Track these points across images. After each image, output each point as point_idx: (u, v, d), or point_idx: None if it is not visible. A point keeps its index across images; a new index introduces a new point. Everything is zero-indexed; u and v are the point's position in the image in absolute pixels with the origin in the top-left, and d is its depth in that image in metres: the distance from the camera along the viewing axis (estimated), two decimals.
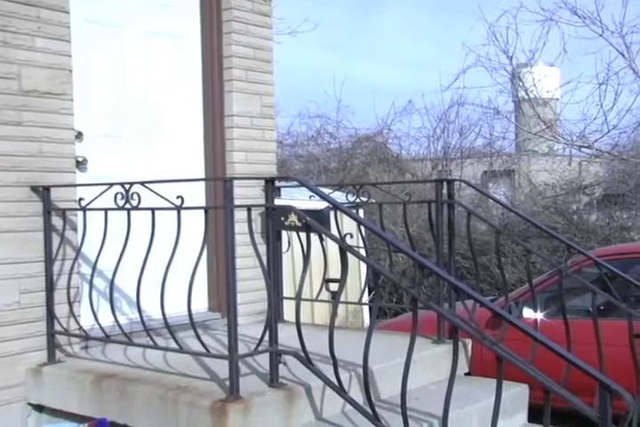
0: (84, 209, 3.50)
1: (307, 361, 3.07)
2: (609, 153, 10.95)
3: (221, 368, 3.05)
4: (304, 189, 3.17)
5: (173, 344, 3.24)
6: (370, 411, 2.92)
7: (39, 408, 3.60)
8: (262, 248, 3.04)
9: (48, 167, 3.66)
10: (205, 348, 3.15)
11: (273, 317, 3.01)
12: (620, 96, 10.53)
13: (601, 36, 10.31)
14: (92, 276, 3.47)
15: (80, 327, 3.64)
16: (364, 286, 5.01)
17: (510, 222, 10.50)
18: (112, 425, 3.24)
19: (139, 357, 3.59)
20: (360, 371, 3.02)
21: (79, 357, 3.71)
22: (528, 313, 5.06)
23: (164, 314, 3.23)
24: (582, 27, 10.41)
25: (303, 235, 3.07)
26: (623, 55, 10.24)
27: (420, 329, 2.93)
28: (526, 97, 11.82)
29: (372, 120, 21.55)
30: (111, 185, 3.38)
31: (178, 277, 3.22)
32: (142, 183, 3.20)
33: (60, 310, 3.61)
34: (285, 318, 4.40)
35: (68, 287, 3.57)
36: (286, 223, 3.03)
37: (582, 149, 11.22)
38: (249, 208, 3.04)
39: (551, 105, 12.11)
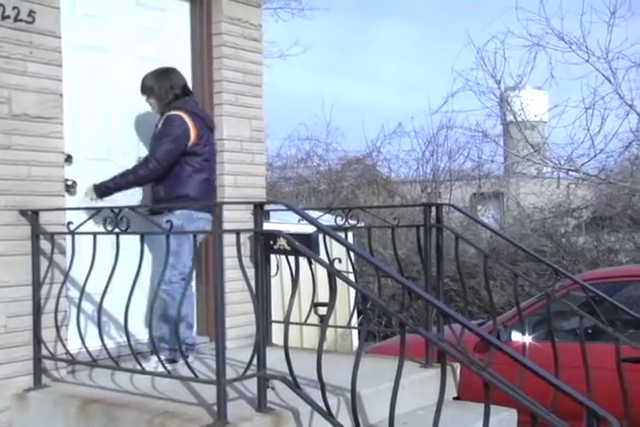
0: (72, 233, 3.49)
1: (294, 386, 3.05)
2: (596, 177, 11.03)
3: (209, 393, 3.03)
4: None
5: (161, 368, 3.22)
6: None
7: None
8: (251, 272, 3.05)
9: (37, 191, 3.65)
10: (193, 373, 3.13)
11: (261, 341, 3.00)
12: (607, 121, 10.64)
13: (587, 61, 10.44)
14: (80, 299, 3.46)
15: (67, 352, 3.61)
16: (353, 310, 5.01)
17: (499, 245, 10.52)
18: None
19: (126, 381, 3.56)
20: (348, 395, 3.01)
21: (66, 381, 3.68)
22: (517, 337, 5.06)
23: (151, 338, 3.22)
24: (569, 52, 10.54)
25: (292, 258, 3.08)
26: (609, 80, 10.36)
27: (408, 353, 2.92)
28: (514, 120, 11.93)
29: (361, 142, 21.62)
30: (100, 209, 3.38)
31: None
32: (131, 208, 3.21)
33: (47, 334, 3.59)
34: (274, 341, 4.38)
35: (56, 311, 3.55)
36: (275, 247, 3.04)
37: (570, 173, 11.29)
38: (238, 232, 3.05)
39: (539, 129, 12.20)
